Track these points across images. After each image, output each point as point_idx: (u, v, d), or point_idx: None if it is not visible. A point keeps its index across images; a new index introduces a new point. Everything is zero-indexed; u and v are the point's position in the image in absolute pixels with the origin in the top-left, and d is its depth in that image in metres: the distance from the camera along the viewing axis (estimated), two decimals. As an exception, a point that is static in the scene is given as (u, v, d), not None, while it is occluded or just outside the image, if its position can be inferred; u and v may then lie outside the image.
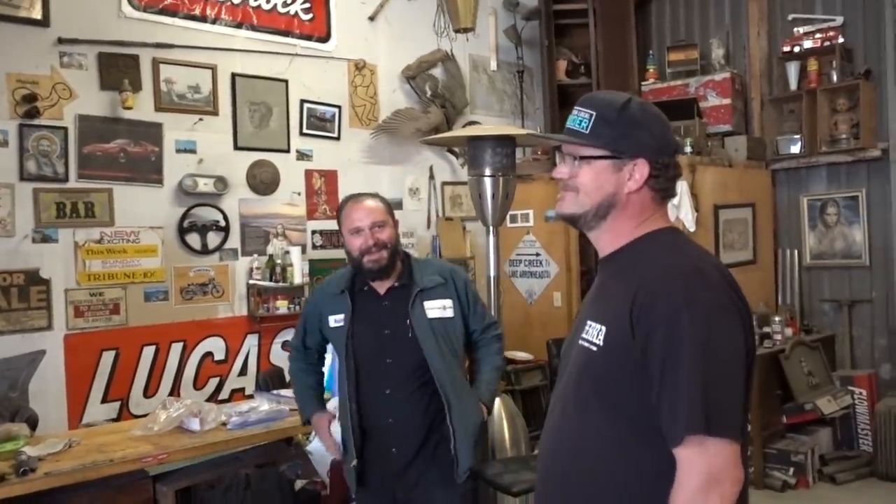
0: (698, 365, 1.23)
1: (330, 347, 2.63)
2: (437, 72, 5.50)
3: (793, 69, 5.11)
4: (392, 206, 2.49)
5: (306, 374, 2.64)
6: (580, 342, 1.38)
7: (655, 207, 1.43)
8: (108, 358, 3.99)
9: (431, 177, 5.52)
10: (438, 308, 2.41)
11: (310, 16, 4.83)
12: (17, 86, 3.73)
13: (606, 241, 1.44)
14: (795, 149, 5.10)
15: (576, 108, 1.42)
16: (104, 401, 3.97)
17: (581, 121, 1.40)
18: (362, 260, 2.34)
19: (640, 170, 1.39)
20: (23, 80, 3.75)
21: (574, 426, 1.38)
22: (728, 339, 1.27)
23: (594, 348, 1.34)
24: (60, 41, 3.85)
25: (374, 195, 2.48)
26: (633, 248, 1.41)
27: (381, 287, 2.42)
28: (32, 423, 2.89)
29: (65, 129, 3.87)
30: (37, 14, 3.78)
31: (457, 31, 5.02)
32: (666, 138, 1.43)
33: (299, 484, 2.96)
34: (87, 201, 3.94)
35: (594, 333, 1.34)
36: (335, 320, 2.42)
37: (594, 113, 1.39)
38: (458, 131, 4.67)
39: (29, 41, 3.77)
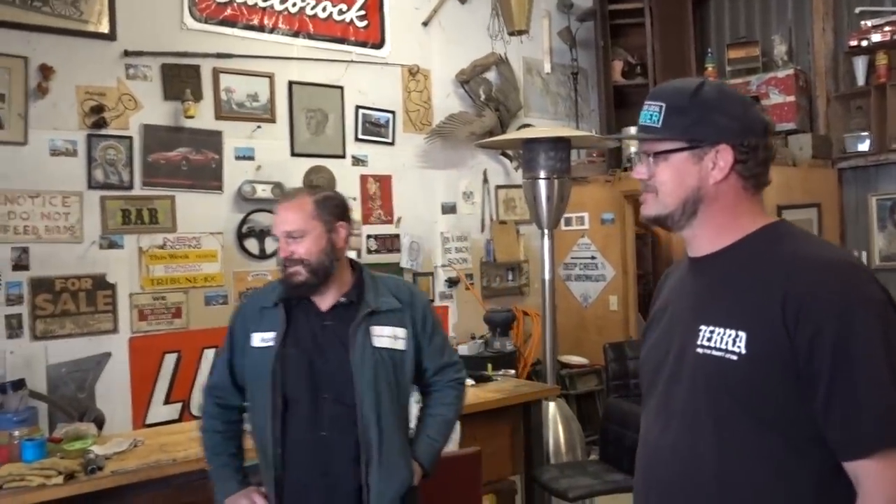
0: (880, 367, 1.11)
1: None
2: (491, 75, 5.49)
3: (860, 64, 4.93)
4: (334, 207, 2.00)
5: (225, 439, 2.06)
6: (700, 350, 1.23)
7: (751, 198, 1.30)
8: (170, 360, 4.10)
9: (485, 180, 5.51)
10: (388, 337, 1.97)
11: (365, 23, 4.88)
12: (85, 97, 3.87)
13: (706, 238, 1.31)
14: (863, 146, 4.91)
15: (646, 102, 1.32)
16: (166, 402, 4.08)
17: (651, 114, 1.30)
18: (283, 270, 1.95)
19: (723, 156, 1.26)
20: (91, 91, 3.89)
21: (710, 446, 1.22)
22: None
23: (733, 356, 1.18)
24: (126, 54, 3.98)
25: (310, 191, 2.03)
26: (749, 243, 1.28)
27: (324, 302, 1.97)
28: (99, 422, 3.00)
29: (130, 138, 3.99)
30: (104, 28, 3.92)
31: (511, 34, 5.01)
32: (749, 118, 1.29)
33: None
34: (150, 208, 4.06)
35: (726, 340, 1.20)
36: (262, 339, 1.95)
37: (664, 104, 1.29)
38: (512, 134, 4.67)
39: (97, 54, 3.91)
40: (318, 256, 1.92)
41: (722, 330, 1.21)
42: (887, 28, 4.79)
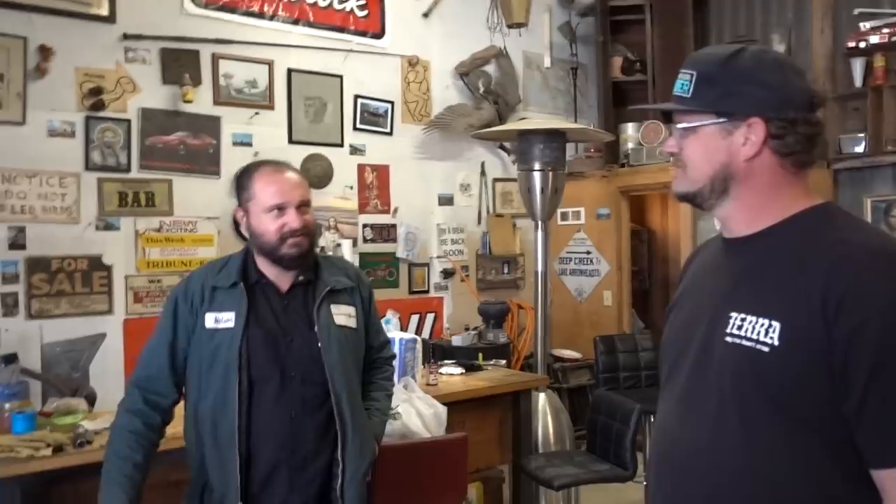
0: None
1: None
2: (491, 68, 5.51)
3: (858, 66, 4.94)
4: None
5: (138, 444, 1.85)
6: (729, 339, 1.14)
7: (791, 178, 1.18)
8: (164, 343, 4.12)
9: (483, 173, 5.53)
10: (345, 315, 1.98)
11: (365, 12, 4.90)
12: (84, 79, 3.89)
13: (742, 220, 1.21)
14: (859, 148, 4.92)
15: (680, 69, 1.22)
16: (160, 384, 4.10)
17: (683, 84, 1.19)
18: (280, 245, 1.87)
19: (755, 131, 1.15)
20: (90, 73, 3.91)
21: (734, 440, 1.13)
22: None
23: (764, 348, 1.09)
24: (125, 37, 4.00)
25: (293, 166, 2.02)
26: (789, 227, 1.17)
27: (283, 282, 1.94)
28: (91, 399, 3.01)
29: (128, 121, 4.01)
30: (104, 11, 3.94)
31: (510, 27, 5.03)
32: (790, 89, 1.16)
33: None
34: (147, 191, 4.09)
35: (758, 329, 1.10)
36: (216, 320, 1.87)
37: (695, 72, 1.18)
38: (508, 125, 4.68)
39: (96, 37, 3.93)
40: (315, 229, 1.97)
41: (754, 318, 1.11)
42: (885, 30, 4.80)
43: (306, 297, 1.94)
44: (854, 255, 1.08)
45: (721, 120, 1.17)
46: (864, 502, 1.07)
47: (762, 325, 1.10)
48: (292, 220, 1.87)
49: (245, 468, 1.83)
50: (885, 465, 1.04)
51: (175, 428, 2.53)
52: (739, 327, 1.13)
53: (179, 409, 2.01)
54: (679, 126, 1.23)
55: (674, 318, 1.34)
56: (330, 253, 4.61)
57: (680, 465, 1.21)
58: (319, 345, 1.88)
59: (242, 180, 1.94)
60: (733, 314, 1.15)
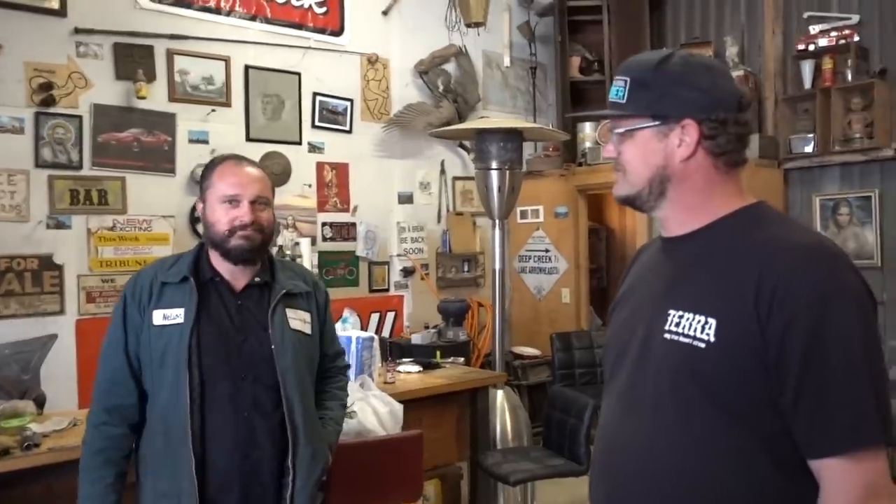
0: (854, 362, 1.05)
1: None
2: (450, 67, 5.52)
3: (807, 68, 5.07)
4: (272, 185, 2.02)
5: (106, 463, 1.81)
6: (667, 336, 1.17)
7: (725, 177, 1.22)
8: (118, 343, 4.05)
9: (443, 171, 5.55)
10: (300, 321, 1.95)
11: (324, 9, 4.87)
12: (34, 74, 3.80)
13: (677, 220, 1.25)
14: (808, 148, 5.06)
15: (615, 77, 1.27)
16: (114, 385, 4.03)
17: (618, 90, 1.23)
18: (229, 237, 1.84)
19: (689, 132, 1.19)
20: (40, 68, 3.82)
21: (672, 435, 1.15)
22: (877, 333, 1.10)
23: (701, 344, 1.12)
24: (77, 31, 3.92)
25: (258, 164, 2.00)
26: (723, 226, 1.21)
27: (238, 281, 1.91)
28: (40, 402, 2.95)
29: (80, 117, 3.94)
30: (55, 4, 3.85)
31: (468, 26, 5.05)
32: (719, 90, 1.20)
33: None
34: (100, 189, 4.01)
35: (695, 326, 1.13)
36: (164, 316, 1.82)
37: (628, 78, 1.23)
38: (467, 124, 4.71)
39: (46, 31, 3.84)
40: (272, 229, 1.94)
41: (691, 315, 1.15)
42: (834, 33, 4.94)
43: (261, 299, 1.92)
44: (784, 251, 1.11)
45: (656, 123, 1.21)
46: (799, 495, 1.10)
47: (699, 321, 1.13)
48: (244, 213, 1.85)
49: (199, 472, 1.78)
50: (821, 455, 1.07)
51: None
52: (677, 324, 1.16)
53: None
54: (616, 131, 1.26)
55: (615, 317, 1.38)
56: (288, 252, 4.59)
57: (620, 460, 1.24)
58: (272, 346, 1.85)
59: (206, 170, 1.96)
60: (671, 311, 1.18)
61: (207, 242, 1.93)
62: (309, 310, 2.00)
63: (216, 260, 1.91)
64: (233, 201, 1.86)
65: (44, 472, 2.35)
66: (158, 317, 1.83)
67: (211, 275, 1.91)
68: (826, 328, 1.06)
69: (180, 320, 1.82)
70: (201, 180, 1.96)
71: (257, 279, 1.93)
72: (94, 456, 1.82)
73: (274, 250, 4.53)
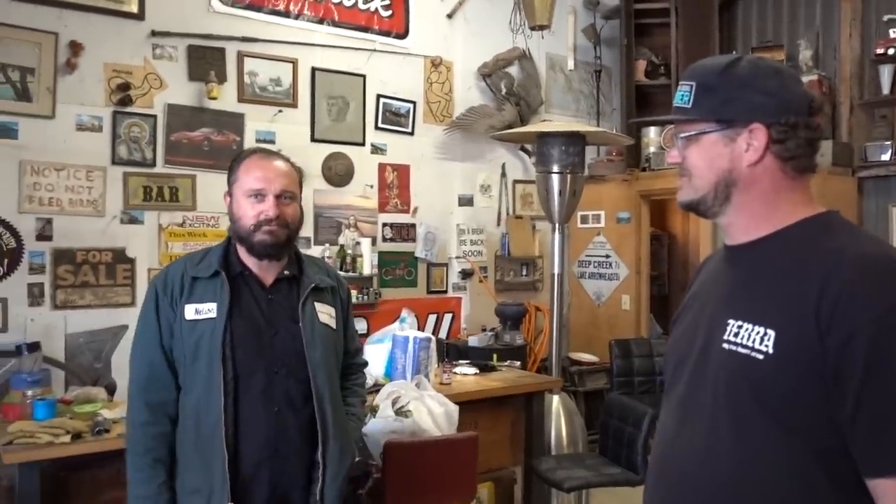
0: None
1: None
2: (514, 70, 5.52)
3: (886, 72, 4.87)
4: (301, 180, 1.99)
5: (153, 463, 1.81)
6: (726, 346, 1.15)
7: (793, 183, 1.19)
8: (184, 335, 4.18)
9: (503, 174, 5.54)
10: (326, 315, 1.95)
11: (389, 13, 4.93)
12: (112, 75, 3.97)
13: (742, 227, 1.22)
14: (886, 156, 4.86)
15: (681, 82, 1.24)
16: (179, 376, 4.17)
17: (683, 95, 1.22)
18: (254, 231, 1.83)
19: (757, 136, 1.16)
20: (118, 69, 3.98)
21: (727, 446, 1.14)
22: None
23: (759, 356, 1.09)
24: (154, 34, 4.07)
25: (287, 158, 1.97)
26: (790, 235, 1.17)
27: (267, 275, 1.90)
28: (111, 389, 3.09)
29: (154, 116, 4.09)
30: (133, 8, 4.02)
31: (532, 29, 5.03)
32: (789, 94, 1.17)
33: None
34: (171, 186, 4.16)
35: (753, 337, 1.11)
36: (197, 311, 1.82)
37: (694, 83, 1.21)
38: (529, 127, 4.69)
39: (125, 33, 4.01)
40: (298, 225, 1.91)
41: (750, 326, 1.12)
42: (915, 37, 4.73)
43: (290, 292, 1.90)
44: (848, 263, 1.07)
45: (722, 127, 1.18)
46: None
47: (758, 332, 1.11)
48: (269, 207, 1.82)
49: (230, 466, 1.76)
50: (879, 475, 1.03)
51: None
52: (736, 334, 1.14)
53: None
54: (681, 136, 1.24)
55: (678, 327, 1.35)
56: (349, 251, 4.66)
57: (675, 469, 1.23)
58: (304, 340, 1.85)
59: (233, 164, 1.93)
60: (731, 321, 1.16)
61: (234, 237, 1.90)
62: (334, 305, 1.99)
63: (243, 254, 1.90)
64: (258, 195, 1.83)
65: (113, 456, 2.44)
66: (191, 311, 1.82)
67: (240, 269, 1.89)
68: (890, 343, 1.01)
69: (213, 314, 1.81)
70: (228, 174, 1.93)
71: (286, 273, 1.92)
72: (142, 456, 1.81)
73: (335, 249, 4.64)
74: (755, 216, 1.20)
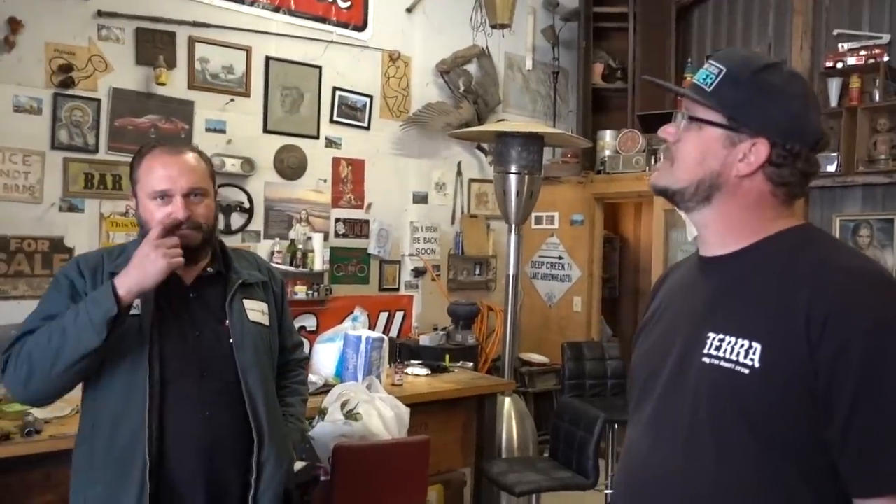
0: None
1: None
2: (472, 68, 5.48)
3: (834, 85, 4.99)
4: (213, 169, 1.83)
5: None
6: (706, 360, 1.10)
7: (778, 206, 1.15)
8: (125, 330, 4.02)
9: (459, 172, 5.50)
10: (258, 311, 1.83)
11: (348, 4, 4.83)
12: (54, 55, 3.77)
13: (718, 234, 1.18)
14: (831, 167, 4.97)
15: (710, 60, 1.17)
16: (119, 372, 4.01)
17: (708, 75, 1.14)
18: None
19: (756, 151, 1.11)
20: (60, 50, 3.79)
21: (708, 466, 1.09)
22: None
23: (744, 370, 1.05)
24: (100, 14, 3.89)
25: (194, 148, 1.81)
26: (769, 246, 1.13)
27: (188, 273, 1.75)
28: (44, 386, 2.93)
29: (98, 100, 3.91)
30: (79, -14, 3.83)
31: (493, 27, 4.99)
32: (805, 121, 1.13)
33: (299, 465, 2.95)
34: (115, 174, 3.99)
35: (738, 350, 1.06)
36: None
37: (724, 69, 1.14)
38: (487, 126, 4.66)
39: (69, 12, 3.82)
40: (212, 222, 1.76)
41: (733, 339, 1.07)
42: (863, 52, 4.86)
43: (215, 290, 1.77)
44: (838, 274, 1.05)
45: (732, 127, 1.13)
46: None
47: (742, 346, 1.06)
48: (177, 209, 1.65)
49: (152, 476, 1.61)
50: (869, 494, 1.01)
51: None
52: (718, 348, 1.09)
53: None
54: (688, 115, 1.17)
55: (643, 341, 1.30)
56: (300, 246, 4.55)
57: (650, 488, 1.17)
58: (231, 340, 1.73)
59: (133, 162, 1.75)
60: (711, 334, 1.11)
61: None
62: (266, 300, 1.87)
63: None
64: (164, 197, 1.67)
65: (43, 459, 2.31)
66: None
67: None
68: (882, 357, 0.98)
69: (137, 311, 1.64)
70: (130, 173, 1.75)
71: (210, 270, 1.79)
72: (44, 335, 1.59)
73: (286, 244, 4.53)
74: (733, 225, 1.16)
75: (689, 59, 5.76)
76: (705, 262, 1.22)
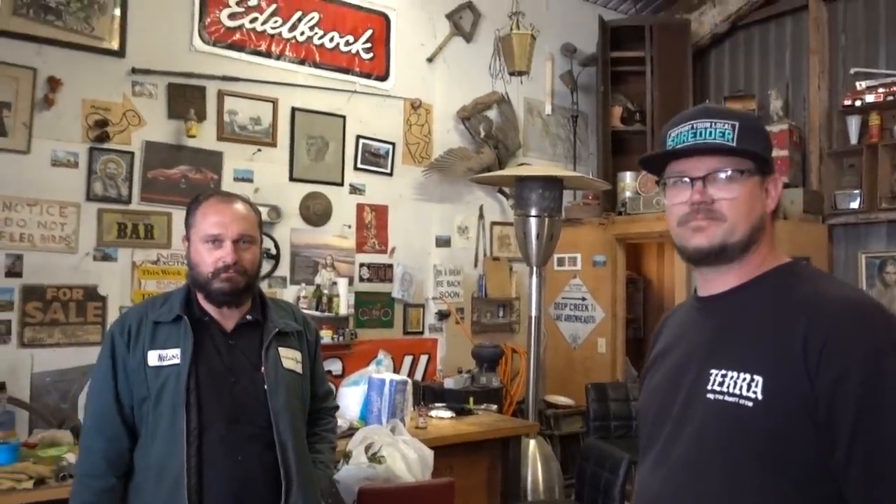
0: None
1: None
2: (492, 114, 5.59)
3: (853, 123, 5.02)
4: (261, 221, 1.96)
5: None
6: (711, 396, 1.13)
7: (773, 237, 1.25)
8: (155, 375, 4.10)
9: (481, 216, 5.57)
10: (292, 360, 1.90)
11: (370, 55, 4.99)
12: (90, 111, 3.94)
13: (734, 276, 1.21)
14: (854, 204, 4.98)
15: (708, 119, 1.20)
16: (149, 417, 4.07)
17: (724, 132, 1.18)
18: (212, 279, 1.79)
19: (777, 185, 1.23)
20: (96, 106, 3.96)
21: (719, 497, 1.11)
22: None
23: (748, 402, 1.08)
24: (134, 71, 4.07)
25: (246, 199, 1.93)
26: (764, 283, 1.19)
27: (228, 320, 1.86)
28: (77, 432, 2.99)
29: (132, 153, 4.06)
30: (114, 45, 4.01)
31: (511, 74, 5.11)
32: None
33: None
34: (147, 223, 4.11)
35: (740, 384, 1.10)
36: (162, 357, 1.77)
37: (737, 122, 1.19)
38: (508, 170, 4.73)
39: (105, 70, 3.99)
40: (256, 269, 1.88)
41: (735, 374, 1.11)
42: (881, 90, 4.89)
43: (253, 338, 1.86)
44: (832, 305, 1.09)
45: (766, 170, 1.22)
46: None
47: (744, 379, 1.10)
48: (226, 253, 1.79)
49: None
50: None
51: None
52: (721, 383, 1.13)
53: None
54: (722, 173, 1.19)
55: (648, 383, 1.35)
56: (326, 291, 4.63)
57: None
58: (266, 387, 1.80)
59: (189, 208, 1.88)
60: (713, 371, 1.15)
61: (192, 283, 1.86)
62: (300, 349, 1.95)
63: (202, 300, 1.86)
64: (215, 241, 1.80)
65: (77, 502, 2.36)
66: (154, 358, 1.77)
67: (200, 314, 1.85)
68: (880, 385, 1.02)
69: (177, 360, 1.76)
70: (186, 218, 1.89)
71: (248, 317, 1.88)
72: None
73: (311, 289, 4.61)
74: (750, 265, 1.22)
75: (707, 100, 5.82)
76: (704, 302, 1.27)
